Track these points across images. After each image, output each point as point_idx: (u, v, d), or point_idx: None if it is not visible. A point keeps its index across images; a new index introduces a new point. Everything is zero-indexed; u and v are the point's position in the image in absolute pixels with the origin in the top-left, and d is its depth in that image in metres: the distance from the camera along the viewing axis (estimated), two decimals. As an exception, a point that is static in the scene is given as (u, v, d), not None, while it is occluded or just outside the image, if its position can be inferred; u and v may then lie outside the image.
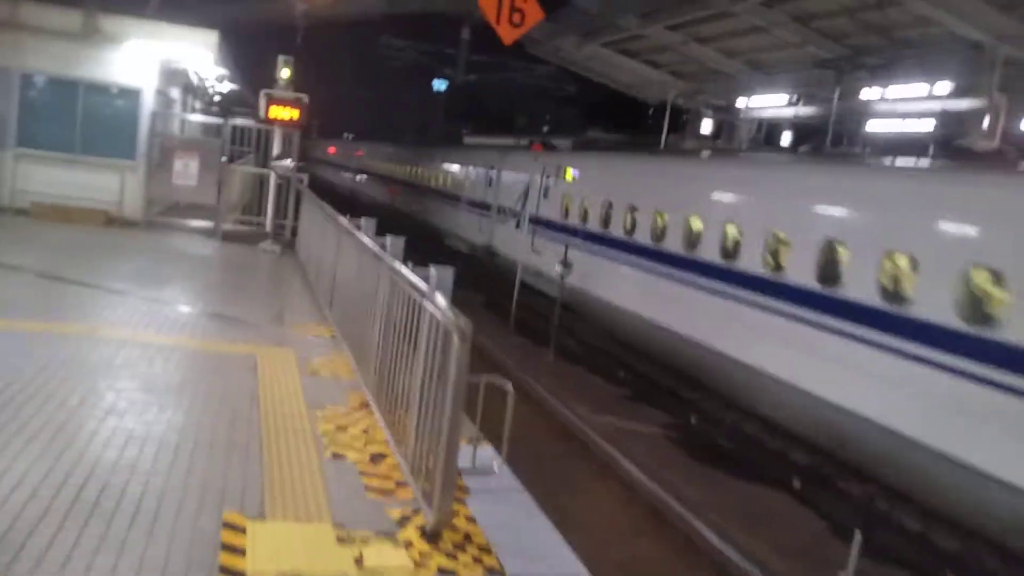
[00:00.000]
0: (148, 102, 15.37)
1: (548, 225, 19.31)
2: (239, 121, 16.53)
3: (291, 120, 14.85)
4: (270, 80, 15.11)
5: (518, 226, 20.44)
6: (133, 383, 6.18)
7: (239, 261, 13.54)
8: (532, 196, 20.28)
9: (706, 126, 27.81)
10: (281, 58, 14.80)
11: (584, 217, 17.67)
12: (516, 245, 20.69)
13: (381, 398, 6.03)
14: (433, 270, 4.95)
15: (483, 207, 23.98)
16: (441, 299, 4.24)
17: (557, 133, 33.47)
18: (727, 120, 27.90)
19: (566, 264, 16.55)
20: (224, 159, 15.60)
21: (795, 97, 23.01)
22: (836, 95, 18.85)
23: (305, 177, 15.58)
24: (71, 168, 14.93)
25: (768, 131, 28.24)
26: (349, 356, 7.70)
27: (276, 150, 15.31)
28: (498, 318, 19.71)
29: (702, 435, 13.43)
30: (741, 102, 25.57)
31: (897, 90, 16.99)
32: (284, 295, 10.84)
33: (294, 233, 15.34)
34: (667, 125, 27.27)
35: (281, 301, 10.37)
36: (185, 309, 9.11)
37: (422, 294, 4.87)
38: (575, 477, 11.17)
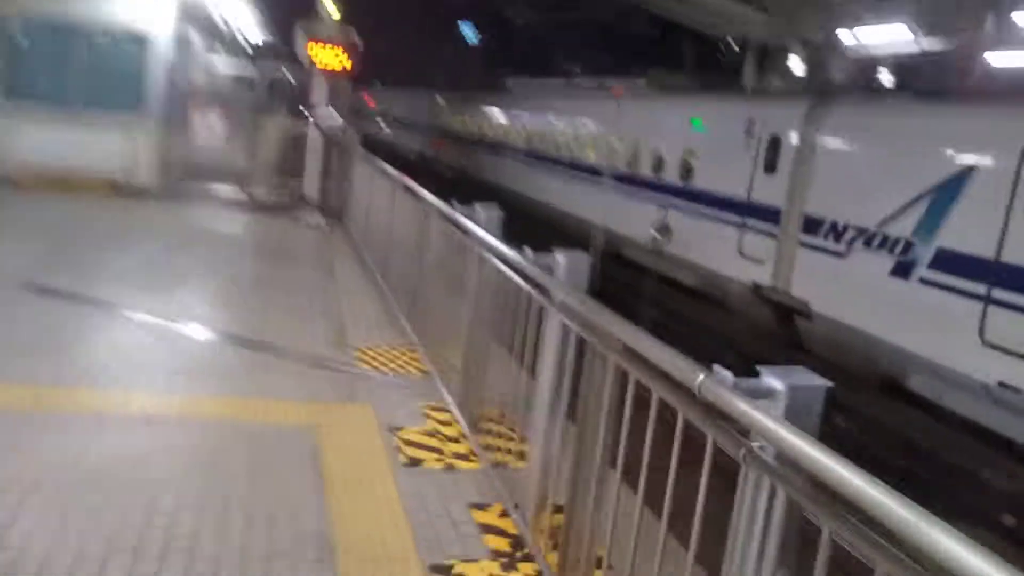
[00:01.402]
0: (163, 46, 12.49)
1: None
2: (274, 70, 13.59)
3: (341, 68, 11.88)
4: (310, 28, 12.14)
5: (906, 272, 9.28)
6: (98, 531, 3.36)
7: (278, 241, 10.74)
8: (968, 209, 8.68)
9: (795, 65, 24.73)
10: (323, -16, 11.84)
11: None
12: (901, 315, 9.36)
13: (570, 548, 3.21)
14: (730, 376, 1.99)
15: (742, 209, 12.62)
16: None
17: (591, 76, 29.79)
18: (815, 59, 24.67)
19: None
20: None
21: (918, 28, 19.60)
22: (988, 21, 15.55)
23: (357, 136, 12.68)
24: (70, 127, 12.11)
25: (862, 69, 24.90)
26: (457, 416, 4.90)
27: (319, 103, 12.42)
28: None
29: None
30: (845, 36, 22.18)
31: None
32: (341, 295, 8.03)
33: (343, 196, 12.54)
34: (755, 65, 24.12)
35: (339, 306, 7.56)
36: (203, 334, 6.25)
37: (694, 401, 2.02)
38: None
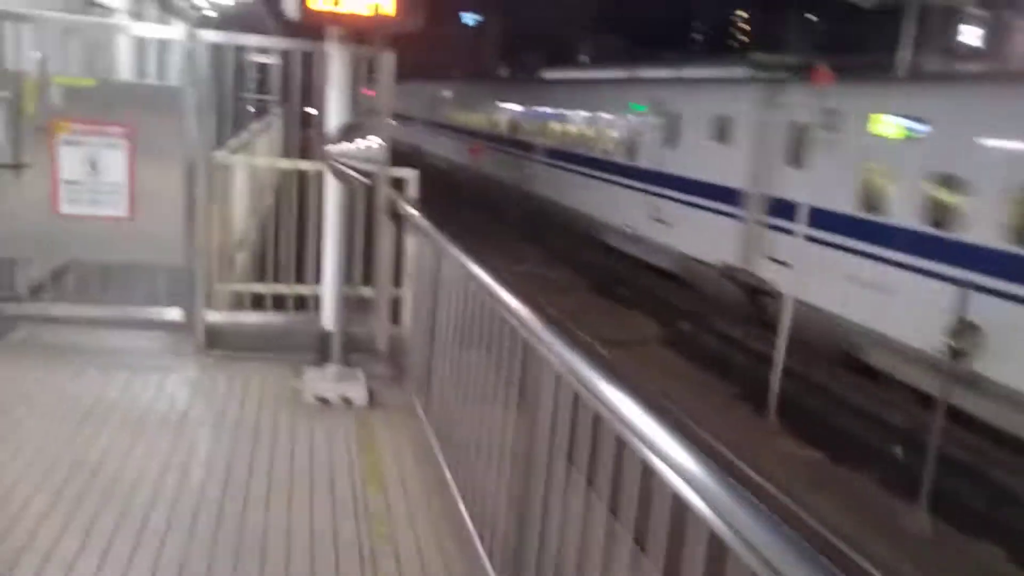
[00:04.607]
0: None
1: None
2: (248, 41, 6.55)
3: (375, 15, 4.97)
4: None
5: None
6: None
7: (247, 489, 3.82)
8: None
9: (968, 36, 19.08)
10: None
11: None
12: None
13: None
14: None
15: None
16: None
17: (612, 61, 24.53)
18: (992, 26, 18.87)
19: None
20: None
21: None
22: None
23: (413, 176, 5.82)
24: None
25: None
26: None
27: (333, 108, 5.44)
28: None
29: None
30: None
31: None
32: None
33: (395, 319, 5.70)
34: (913, 38, 18.39)
35: None
36: None
37: None
38: None
